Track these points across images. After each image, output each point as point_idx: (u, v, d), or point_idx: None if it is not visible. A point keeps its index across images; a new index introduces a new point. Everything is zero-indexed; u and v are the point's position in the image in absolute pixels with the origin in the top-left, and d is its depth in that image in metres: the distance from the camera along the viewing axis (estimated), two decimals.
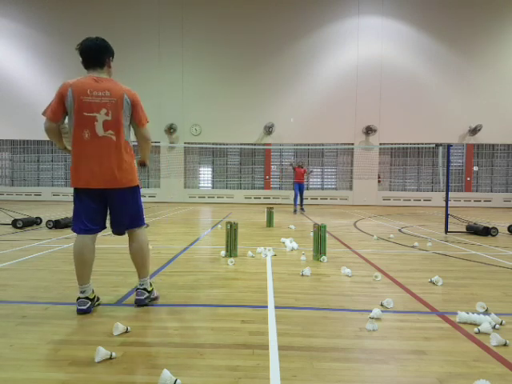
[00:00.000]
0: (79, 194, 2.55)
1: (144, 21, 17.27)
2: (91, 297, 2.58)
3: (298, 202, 12.06)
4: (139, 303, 2.61)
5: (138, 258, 2.66)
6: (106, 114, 2.45)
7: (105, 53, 2.57)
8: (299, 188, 11.79)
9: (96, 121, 2.44)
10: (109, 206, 2.62)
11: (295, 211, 11.86)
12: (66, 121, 2.55)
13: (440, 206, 15.65)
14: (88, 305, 2.53)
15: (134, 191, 2.65)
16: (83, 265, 2.54)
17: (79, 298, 2.54)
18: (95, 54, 2.54)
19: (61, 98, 2.44)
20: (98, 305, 2.68)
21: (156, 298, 2.79)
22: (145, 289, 2.66)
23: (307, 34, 17.33)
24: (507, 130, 16.94)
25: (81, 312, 2.51)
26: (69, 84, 2.45)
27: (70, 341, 2.08)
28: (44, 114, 2.51)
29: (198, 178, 18.27)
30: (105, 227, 2.69)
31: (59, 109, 2.46)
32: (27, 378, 1.69)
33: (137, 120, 2.60)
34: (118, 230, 2.71)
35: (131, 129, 2.64)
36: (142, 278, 2.68)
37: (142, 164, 2.78)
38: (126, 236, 2.74)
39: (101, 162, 2.46)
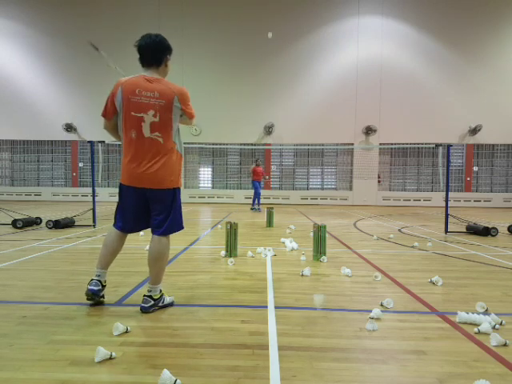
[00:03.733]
0: (123, 191, 2.58)
1: (144, 21, 17.25)
2: (104, 283, 2.61)
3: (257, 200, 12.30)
4: (143, 311, 2.53)
5: (152, 264, 2.57)
6: (154, 116, 2.42)
7: (163, 51, 2.54)
8: (259, 185, 11.99)
9: (143, 121, 2.41)
10: (150, 207, 2.58)
11: (258, 209, 12.01)
12: None
13: (440, 206, 15.65)
14: (99, 287, 2.56)
15: (174, 194, 2.58)
16: (109, 251, 2.60)
17: (92, 280, 2.56)
18: (153, 52, 2.50)
19: (112, 96, 2.47)
20: (102, 303, 2.68)
21: (169, 305, 2.66)
22: (150, 296, 2.55)
23: (307, 34, 17.32)
24: (507, 130, 16.93)
25: (91, 292, 2.53)
26: (120, 83, 2.47)
27: (70, 341, 2.08)
28: (102, 113, 2.56)
29: (198, 178, 18.27)
30: (143, 228, 2.68)
31: (111, 108, 2.49)
32: (27, 378, 1.69)
33: (188, 116, 2.60)
34: (153, 230, 2.64)
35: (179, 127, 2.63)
36: (151, 284, 2.59)
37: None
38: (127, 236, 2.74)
39: (145, 163, 2.44)
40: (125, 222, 2.61)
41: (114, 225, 2.65)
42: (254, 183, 12.07)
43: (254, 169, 12.02)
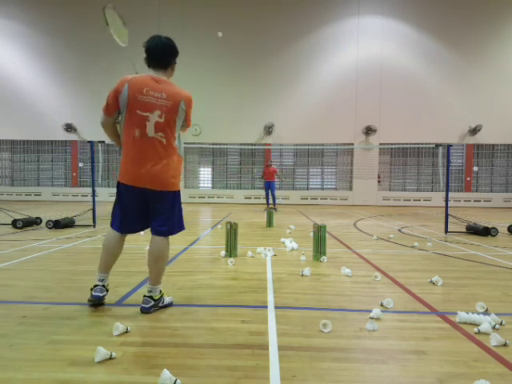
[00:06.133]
0: (122, 191, 2.55)
1: (144, 21, 17.23)
2: (107, 287, 2.63)
3: (270, 200, 12.38)
4: (144, 311, 2.53)
5: (152, 265, 2.56)
6: (159, 116, 2.42)
7: (171, 54, 2.54)
8: (269, 186, 12.19)
9: (148, 121, 2.41)
10: (150, 207, 2.56)
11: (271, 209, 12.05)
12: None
13: (440, 206, 15.65)
14: (104, 293, 2.58)
15: (174, 196, 2.58)
16: (109, 255, 2.59)
17: (96, 285, 2.57)
18: (162, 54, 2.50)
19: (116, 93, 2.43)
20: (102, 304, 2.68)
21: (168, 305, 2.67)
22: (151, 297, 2.55)
23: (307, 34, 17.32)
24: (507, 130, 16.93)
25: (95, 298, 2.54)
26: (126, 80, 2.43)
27: (70, 341, 2.08)
28: (103, 108, 2.51)
29: (198, 178, 18.27)
30: (142, 229, 2.67)
31: (114, 104, 2.45)
32: (27, 378, 1.69)
33: (187, 123, 2.64)
34: (153, 231, 2.63)
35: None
36: (151, 285, 2.58)
37: None
38: (126, 235, 2.73)
39: (148, 163, 2.43)
40: (123, 222, 2.59)
41: (112, 226, 2.62)
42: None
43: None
